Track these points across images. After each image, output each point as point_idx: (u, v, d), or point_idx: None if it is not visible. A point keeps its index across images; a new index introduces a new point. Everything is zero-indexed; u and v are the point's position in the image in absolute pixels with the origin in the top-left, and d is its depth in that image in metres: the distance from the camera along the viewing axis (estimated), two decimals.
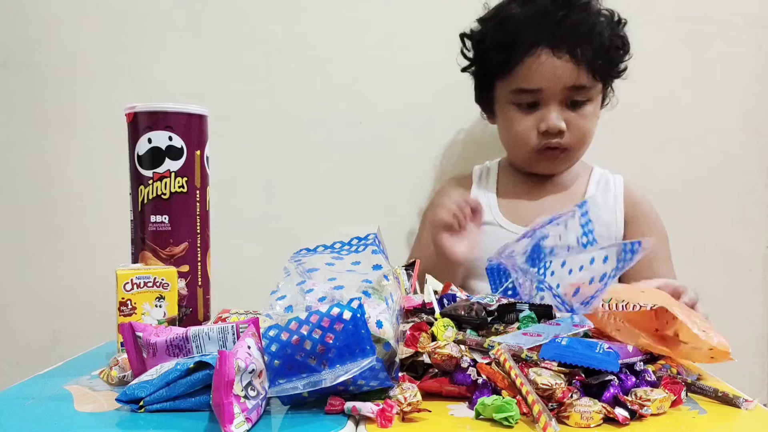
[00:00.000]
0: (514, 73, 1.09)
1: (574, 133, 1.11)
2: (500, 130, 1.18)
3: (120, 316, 0.71)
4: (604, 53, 1.09)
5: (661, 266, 1.14)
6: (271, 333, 0.55)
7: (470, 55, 1.18)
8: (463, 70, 1.20)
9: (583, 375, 0.59)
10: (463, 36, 1.18)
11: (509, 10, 1.11)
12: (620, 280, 1.14)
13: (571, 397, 0.56)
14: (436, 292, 0.82)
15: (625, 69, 1.16)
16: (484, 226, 1.12)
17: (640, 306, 0.67)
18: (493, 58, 1.12)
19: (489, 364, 0.61)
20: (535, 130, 1.10)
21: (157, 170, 0.79)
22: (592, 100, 1.12)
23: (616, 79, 1.16)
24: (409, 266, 0.87)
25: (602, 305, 0.70)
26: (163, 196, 0.79)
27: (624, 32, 1.14)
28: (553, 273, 0.78)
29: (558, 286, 0.74)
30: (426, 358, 0.64)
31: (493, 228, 1.16)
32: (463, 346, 0.63)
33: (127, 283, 0.71)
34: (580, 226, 0.84)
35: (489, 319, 0.73)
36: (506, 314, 0.74)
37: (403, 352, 0.64)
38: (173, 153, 0.79)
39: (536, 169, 1.17)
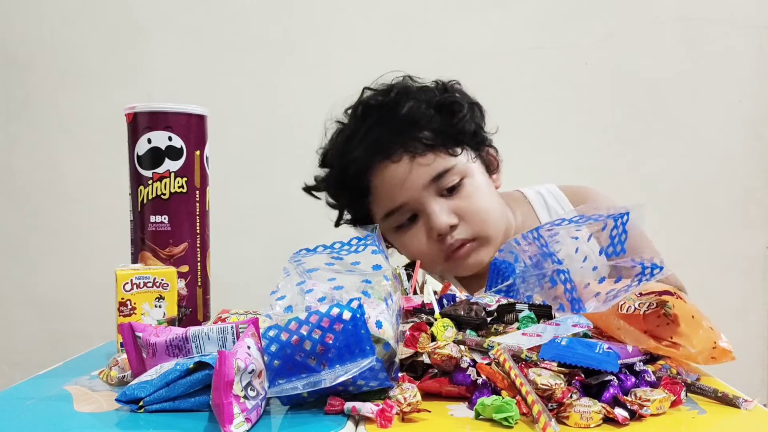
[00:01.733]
0: (373, 202, 1.00)
1: (470, 220, 0.98)
2: (408, 258, 1.06)
3: (120, 316, 0.71)
4: (441, 129, 0.98)
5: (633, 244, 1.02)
6: (271, 333, 0.55)
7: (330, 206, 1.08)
8: (337, 224, 1.08)
9: (582, 375, 0.59)
10: (307, 190, 1.09)
11: (329, 155, 1.04)
12: None
13: (571, 397, 0.56)
14: (435, 293, 0.82)
15: (479, 125, 1.03)
16: None
17: (635, 308, 0.67)
18: (345, 204, 1.04)
19: (489, 364, 0.61)
20: (430, 240, 0.98)
21: (156, 170, 0.79)
22: (467, 174, 0.99)
23: (479, 137, 1.03)
24: (409, 266, 0.87)
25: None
26: (162, 196, 0.79)
27: (453, 96, 1.02)
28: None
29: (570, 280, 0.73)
30: (426, 359, 0.64)
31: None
32: (462, 347, 0.63)
33: (127, 283, 0.71)
34: (609, 238, 0.76)
35: (488, 319, 0.73)
36: (506, 314, 0.74)
37: (403, 352, 0.64)
38: (173, 153, 0.79)
39: (464, 271, 1.02)
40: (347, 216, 1.07)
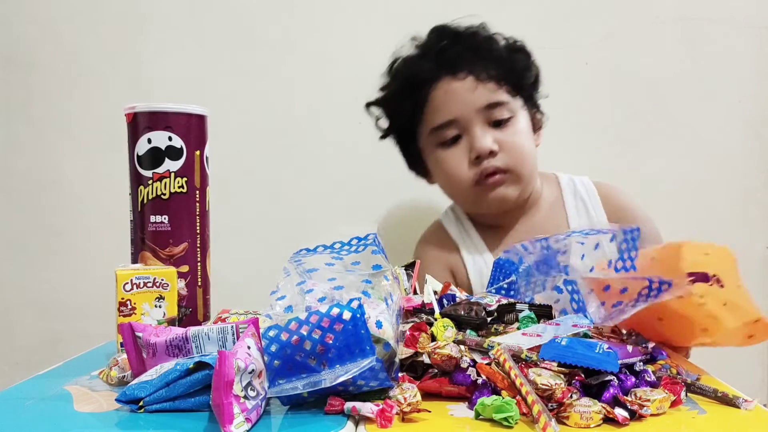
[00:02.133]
0: (426, 114, 1.06)
1: (509, 152, 1.03)
2: (439, 182, 1.12)
3: (120, 316, 0.71)
4: (506, 65, 1.05)
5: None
6: (271, 333, 0.55)
7: (384, 120, 1.14)
8: (383, 137, 1.15)
9: (582, 375, 0.59)
10: (368, 105, 1.15)
11: (400, 59, 1.10)
12: None
13: (571, 397, 0.56)
14: (435, 293, 0.82)
15: (537, 81, 1.10)
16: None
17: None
18: (401, 111, 1.08)
19: (489, 364, 0.61)
20: (466, 163, 1.04)
21: (156, 170, 0.79)
22: (516, 116, 1.05)
23: (535, 89, 1.10)
24: (409, 266, 0.87)
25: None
26: (162, 196, 0.79)
27: (525, 47, 1.10)
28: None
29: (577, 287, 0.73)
30: (426, 359, 0.64)
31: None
32: (462, 347, 0.63)
33: (127, 283, 0.71)
34: (619, 251, 0.76)
35: (488, 319, 0.73)
36: (506, 314, 0.74)
37: (403, 352, 0.64)
38: (173, 153, 0.79)
39: (488, 206, 1.07)
40: (392, 134, 1.14)
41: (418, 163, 1.14)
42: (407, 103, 1.07)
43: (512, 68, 1.06)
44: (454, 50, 1.05)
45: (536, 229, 1.07)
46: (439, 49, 1.06)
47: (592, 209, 1.11)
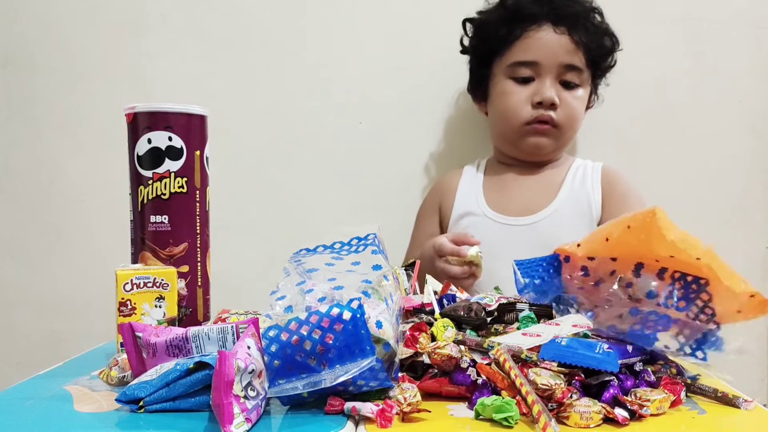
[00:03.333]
0: (514, 47, 1.15)
1: (565, 111, 1.15)
2: (492, 109, 1.21)
3: (120, 316, 0.71)
4: (598, 40, 1.16)
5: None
6: (271, 333, 0.55)
7: (470, 38, 1.23)
8: (463, 51, 1.24)
9: (582, 375, 0.59)
10: (466, 21, 1.23)
11: None
12: None
13: (571, 397, 0.56)
14: (435, 293, 0.82)
15: (613, 65, 1.22)
16: (472, 217, 1.19)
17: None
18: (495, 34, 1.17)
19: (489, 364, 0.61)
20: (528, 104, 1.14)
21: (156, 170, 0.79)
22: (583, 85, 1.17)
23: (605, 73, 1.22)
24: (409, 266, 0.87)
25: None
26: (162, 196, 0.79)
27: (614, 33, 1.20)
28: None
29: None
30: (426, 359, 0.64)
31: (480, 219, 1.19)
32: (462, 347, 0.63)
33: (127, 283, 0.71)
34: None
35: (488, 319, 0.73)
36: (506, 314, 0.74)
37: (403, 352, 0.64)
38: (173, 153, 0.79)
39: (524, 147, 1.18)
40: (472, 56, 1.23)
41: (481, 87, 1.23)
42: (503, 29, 1.16)
43: (600, 46, 1.17)
44: (563, 5, 1.15)
45: (529, 184, 1.21)
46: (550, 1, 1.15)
47: (589, 183, 1.19)
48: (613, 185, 1.19)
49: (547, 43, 1.13)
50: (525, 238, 1.16)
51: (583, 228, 1.15)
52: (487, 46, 1.19)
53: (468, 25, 1.23)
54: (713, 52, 1.32)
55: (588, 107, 1.23)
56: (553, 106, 1.14)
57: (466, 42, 1.24)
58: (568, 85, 1.15)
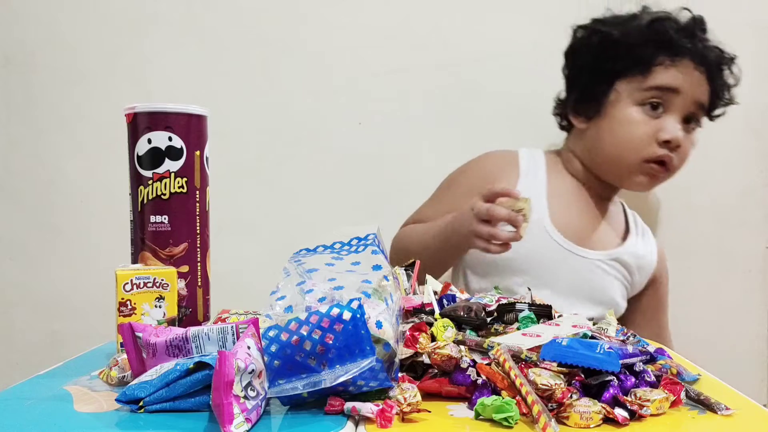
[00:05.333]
0: (653, 71, 1.10)
1: (680, 156, 1.12)
2: (606, 132, 1.13)
3: (119, 316, 0.71)
4: (724, 94, 1.16)
5: (663, 315, 1.26)
6: (271, 333, 0.55)
7: (591, 50, 1.16)
8: (574, 63, 1.18)
9: (582, 375, 0.59)
10: (606, 33, 1.15)
11: (661, 17, 1.14)
12: (625, 321, 1.17)
13: (571, 397, 0.56)
14: (435, 293, 0.82)
15: (714, 118, 1.19)
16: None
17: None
18: (633, 54, 1.11)
19: (489, 364, 0.61)
20: (654, 141, 1.09)
21: (156, 171, 0.79)
22: (696, 128, 1.15)
23: (709, 118, 1.18)
24: (409, 266, 0.87)
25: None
26: (162, 196, 0.79)
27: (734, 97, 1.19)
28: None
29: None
30: (426, 359, 0.64)
31: (540, 232, 1.11)
32: (462, 347, 0.63)
33: (127, 283, 0.71)
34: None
35: (488, 319, 0.73)
36: (505, 314, 0.74)
37: (403, 352, 0.64)
38: (173, 153, 0.79)
39: (630, 180, 1.14)
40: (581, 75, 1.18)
41: (594, 102, 1.15)
42: (647, 51, 1.10)
43: (722, 97, 1.16)
44: (708, 47, 1.13)
45: (597, 212, 1.18)
46: (699, 38, 1.13)
47: (648, 258, 1.21)
48: (664, 272, 1.22)
49: (690, 77, 1.10)
50: (581, 272, 1.12)
51: (622, 285, 1.17)
52: (617, 63, 1.13)
53: (593, 37, 1.16)
54: None
55: None
56: (677, 148, 1.10)
57: (567, 55, 1.19)
58: (689, 122, 1.13)
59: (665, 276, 1.25)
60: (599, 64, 1.14)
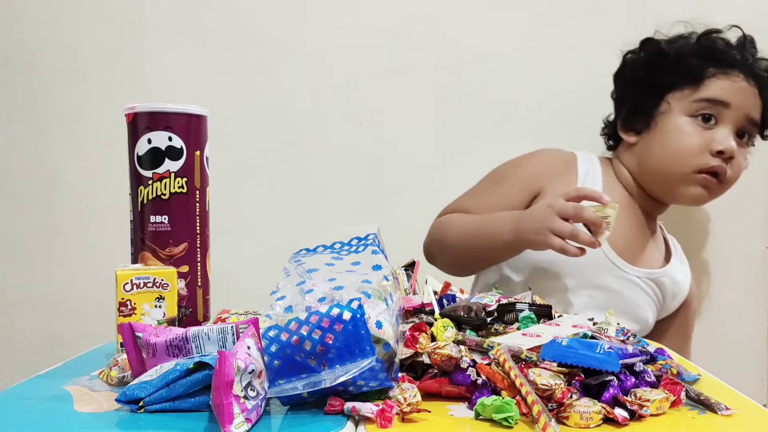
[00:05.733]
0: (705, 84, 1.09)
1: (735, 168, 1.10)
2: (658, 145, 1.12)
3: (119, 316, 0.71)
4: None
5: (685, 338, 1.24)
6: (271, 333, 0.55)
7: (645, 63, 1.16)
8: (621, 87, 1.18)
9: (582, 375, 0.59)
10: (654, 44, 1.16)
11: (711, 31, 1.14)
12: (654, 336, 1.17)
13: (571, 397, 0.56)
14: (435, 293, 0.82)
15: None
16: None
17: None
18: (684, 66, 1.11)
19: (489, 364, 0.61)
20: (706, 151, 1.07)
21: (156, 171, 0.79)
22: (749, 143, 1.14)
23: (762, 137, 1.18)
24: (409, 267, 0.87)
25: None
26: (162, 196, 0.79)
27: None
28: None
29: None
30: (426, 359, 0.64)
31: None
32: (462, 347, 0.63)
33: (127, 283, 0.71)
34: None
35: (488, 319, 0.73)
36: (505, 314, 0.74)
37: (403, 352, 0.64)
38: (173, 153, 0.79)
39: (682, 193, 1.11)
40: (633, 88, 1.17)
41: (644, 116, 1.14)
42: (697, 63, 1.10)
43: None
44: (759, 60, 1.13)
45: (646, 231, 1.16)
46: (749, 51, 1.13)
47: (682, 284, 1.19)
48: (692, 305, 1.22)
49: (740, 90, 1.09)
50: (621, 286, 1.10)
51: (653, 308, 1.16)
52: (667, 76, 1.12)
53: (642, 53, 1.17)
54: None
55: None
56: (730, 159, 1.08)
57: (632, 65, 1.18)
58: (742, 137, 1.11)
59: (695, 302, 1.25)
60: (649, 77, 1.14)
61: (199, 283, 0.82)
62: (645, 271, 1.12)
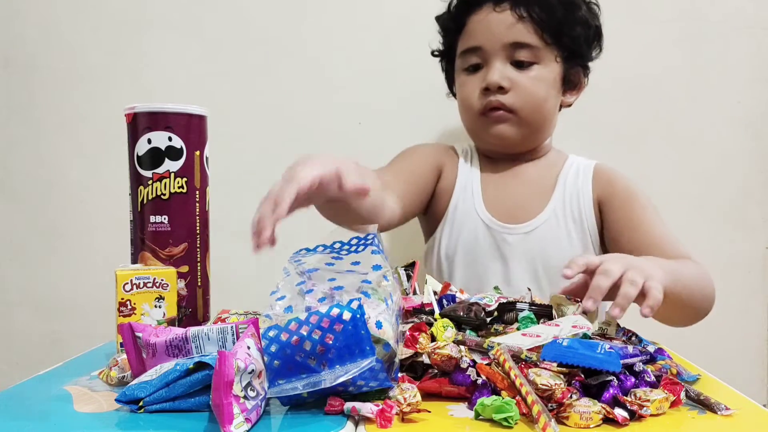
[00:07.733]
0: (462, 37, 1.10)
1: (520, 94, 1.04)
2: (459, 108, 1.14)
3: (119, 316, 0.71)
4: (550, 12, 1.04)
5: (649, 230, 1.04)
6: (271, 333, 0.55)
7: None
8: (434, 54, 1.19)
9: (582, 375, 0.59)
10: (437, 18, 1.17)
11: None
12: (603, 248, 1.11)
13: (571, 397, 0.56)
14: (435, 293, 0.82)
15: (587, 40, 1.09)
16: (465, 215, 1.10)
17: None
18: (447, 30, 1.13)
19: (489, 364, 0.61)
20: (477, 90, 1.06)
21: (156, 171, 0.79)
22: (540, 62, 1.05)
23: (579, 48, 1.08)
24: (409, 266, 0.87)
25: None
26: (162, 196, 0.79)
27: (591, 7, 1.10)
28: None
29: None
30: (425, 359, 0.64)
31: (474, 220, 1.09)
32: (462, 347, 0.63)
33: (127, 283, 0.71)
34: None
35: (488, 319, 0.73)
36: (505, 314, 0.74)
37: (403, 352, 0.64)
38: (173, 153, 0.79)
39: (488, 138, 1.10)
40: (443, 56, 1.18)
41: (451, 86, 1.18)
42: (451, 23, 1.11)
43: (555, 17, 1.04)
44: None
45: (523, 182, 1.12)
46: None
47: (581, 183, 1.10)
48: (613, 185, 1.08)
49: (488, 24, 1.05)
50: (518, 247, 1.07)
51: (576, 235, 1.08)
52: (445, 43, 1.15)
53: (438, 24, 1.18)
54: (711, 51, 1.32)
55: (572, 88, 1.12)
56: (501, 89, 1.04)
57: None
58: (521, 65, 1.05)
59: (619, 193, 1.08)
60: (443, 46, 1.17)
61: (199, 283, 0.82)
62: (528, 223, 1.08)
